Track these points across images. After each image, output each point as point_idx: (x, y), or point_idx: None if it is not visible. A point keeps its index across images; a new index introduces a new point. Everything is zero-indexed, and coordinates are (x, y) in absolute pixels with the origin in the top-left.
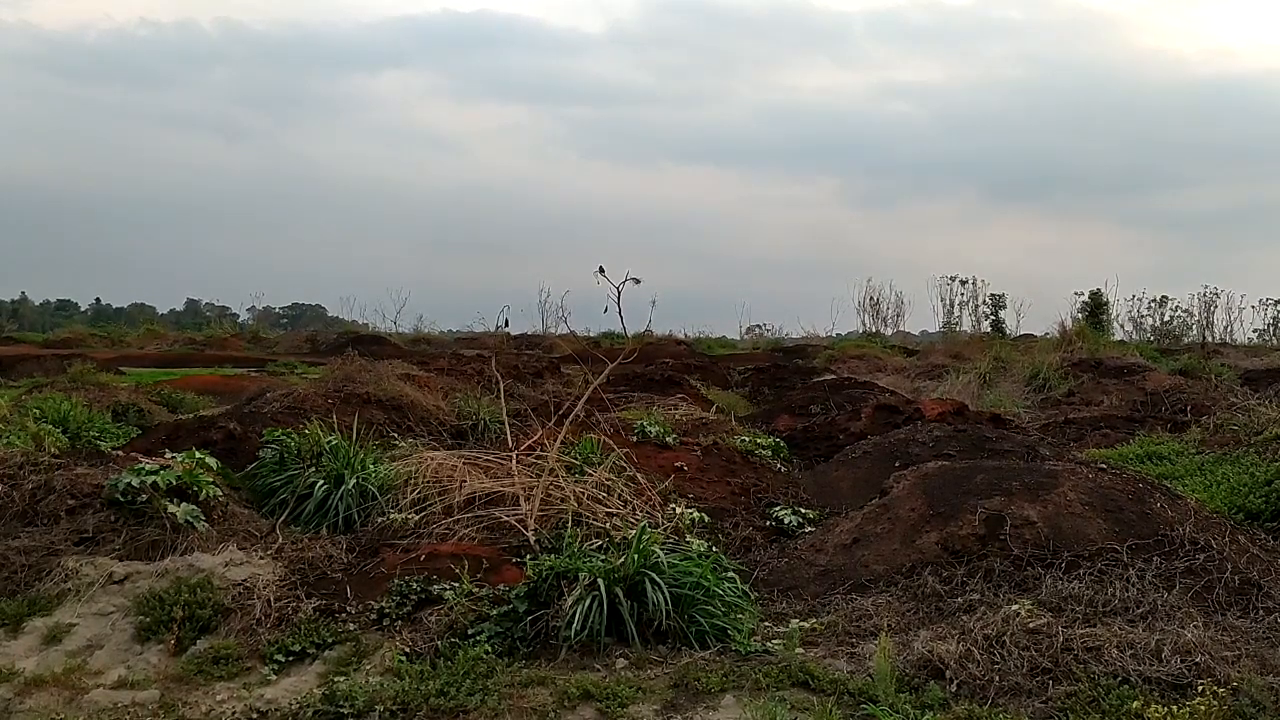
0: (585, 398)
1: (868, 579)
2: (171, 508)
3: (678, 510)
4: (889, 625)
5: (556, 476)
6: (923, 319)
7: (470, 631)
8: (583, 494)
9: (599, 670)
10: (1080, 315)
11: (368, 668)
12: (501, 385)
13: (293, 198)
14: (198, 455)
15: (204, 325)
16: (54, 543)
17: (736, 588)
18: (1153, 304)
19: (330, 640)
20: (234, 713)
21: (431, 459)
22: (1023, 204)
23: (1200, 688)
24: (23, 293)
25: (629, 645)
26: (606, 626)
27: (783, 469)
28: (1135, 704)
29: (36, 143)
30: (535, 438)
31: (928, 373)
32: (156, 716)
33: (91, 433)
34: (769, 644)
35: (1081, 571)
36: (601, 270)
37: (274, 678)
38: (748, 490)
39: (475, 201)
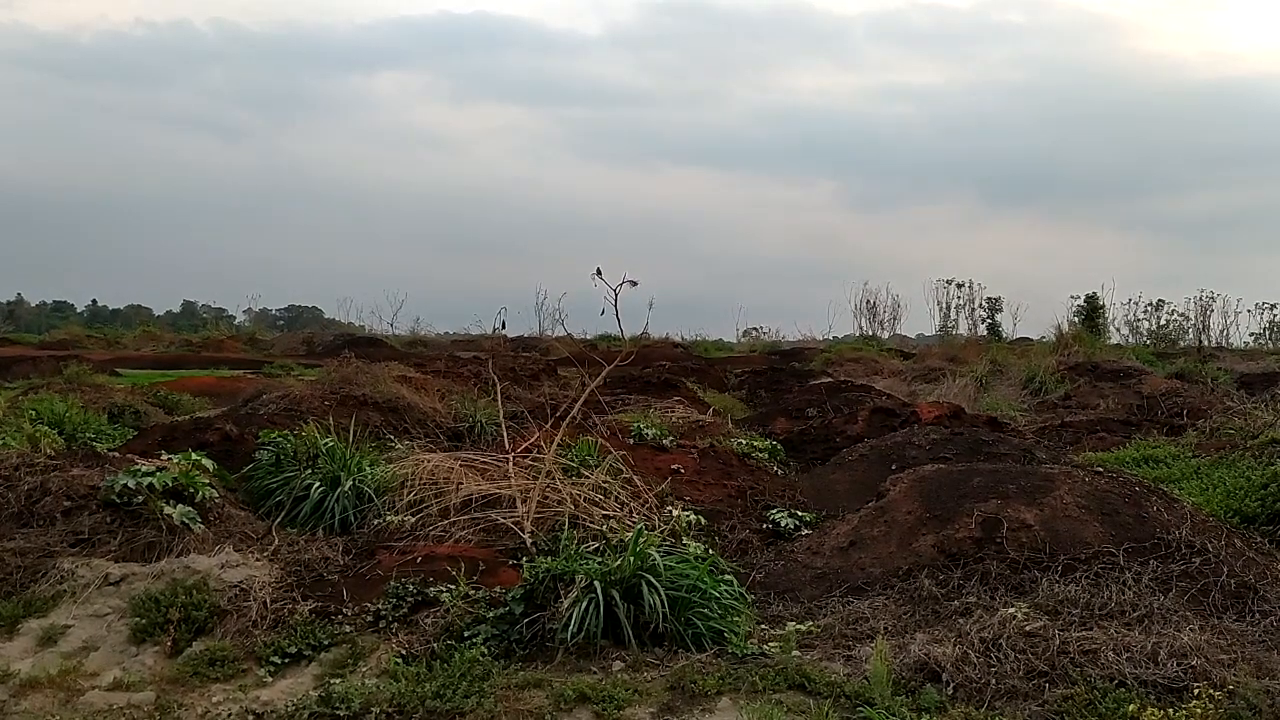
0: (582, 400)
1: (864, 582)
2: (168, 509)
3: (674, 513)
4: (885, 628)
5: (553, 479)
6: (919, 322)
7: (466, 633)
8: (579, 496)
9: (595, 673)
10: (1076, 319)
11: (364, 670)
12: (498, 387)
13: (290, 198)
14: (194, 457)
15: (200, 327)
16: (50, 544)
17: (733, 590)
18: (1149, 308)
19: (326, 642)
20: (230, 714)
21: (428, 461)
22: (1021, 207)
23: (1196, 691)
24: (19, 294)
25: (625, 648)
26: (603, 629)
27: (779, 472)
28: (1131, 707)
29: (32, 143)
30: (532, 440)
31: (924, 376)
32: (152, 718)
33: (87, 434)
34: (765, 646)
35: (1078, 575)
36: (599, 272)
37: (270, 679)
38: (744, 493)
39: (473, 202)
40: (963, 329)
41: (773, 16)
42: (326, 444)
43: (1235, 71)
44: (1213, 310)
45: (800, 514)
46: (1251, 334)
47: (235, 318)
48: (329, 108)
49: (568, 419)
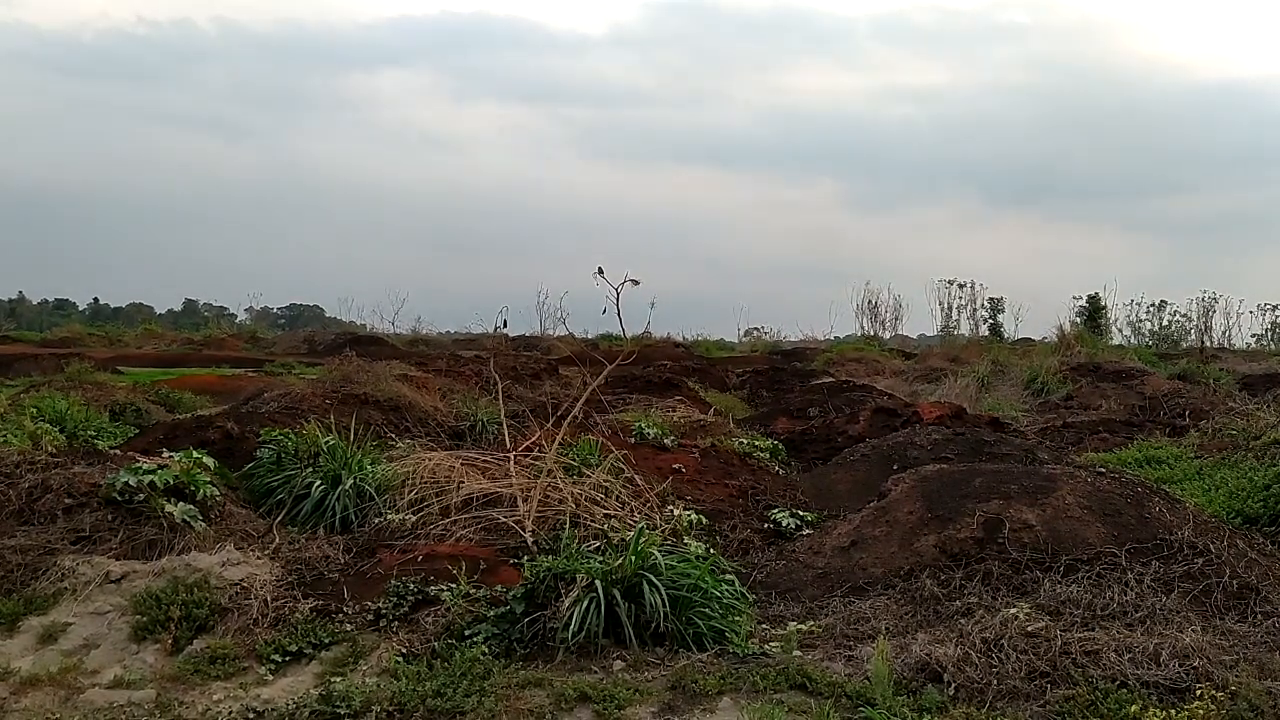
0: (583, 399)
1: (865, 582)
2: (169, 507)
3: (676, 512)
4: (887, 628)
5: (554, 478)
6: (921, 322)
7: (467, 632)
8: (580, 495)
9: (596, 672)
10: (1078, 319)
11: (364, 668)
12: (499, 386)
13: (291, 197)
14: (195, 455)
15: (202, 325)
16: (51, 541)
17: (734, 590)
18: (1151, 308)
19: (327, 640)
20: (230, 713)
21: (429, 459)
22: (1024, 208)
23: (1198, 692)
24: (20, 292)
25: (626, 647)
26: (604, 628)
27: (781, 471)
28: (1133, 708)
29: (34, 141)
30: (533, 439)
31: (926, 376)
32: (153, 716)
33: (89, 432)
34: (767, 646)
35: (1080, 575)
36: (600, 271)
37: (271, 678)
38: (746, 492)
39: (474, 201)
40: (964, 329)
41: (775, 16)
42: (327, 442)
43: (1239, 73)
44: (1215, 311)
45: (802, 514)
46: (1254, 335)
47: (236, 316)
48: (331, 107)
49: (569, 418)
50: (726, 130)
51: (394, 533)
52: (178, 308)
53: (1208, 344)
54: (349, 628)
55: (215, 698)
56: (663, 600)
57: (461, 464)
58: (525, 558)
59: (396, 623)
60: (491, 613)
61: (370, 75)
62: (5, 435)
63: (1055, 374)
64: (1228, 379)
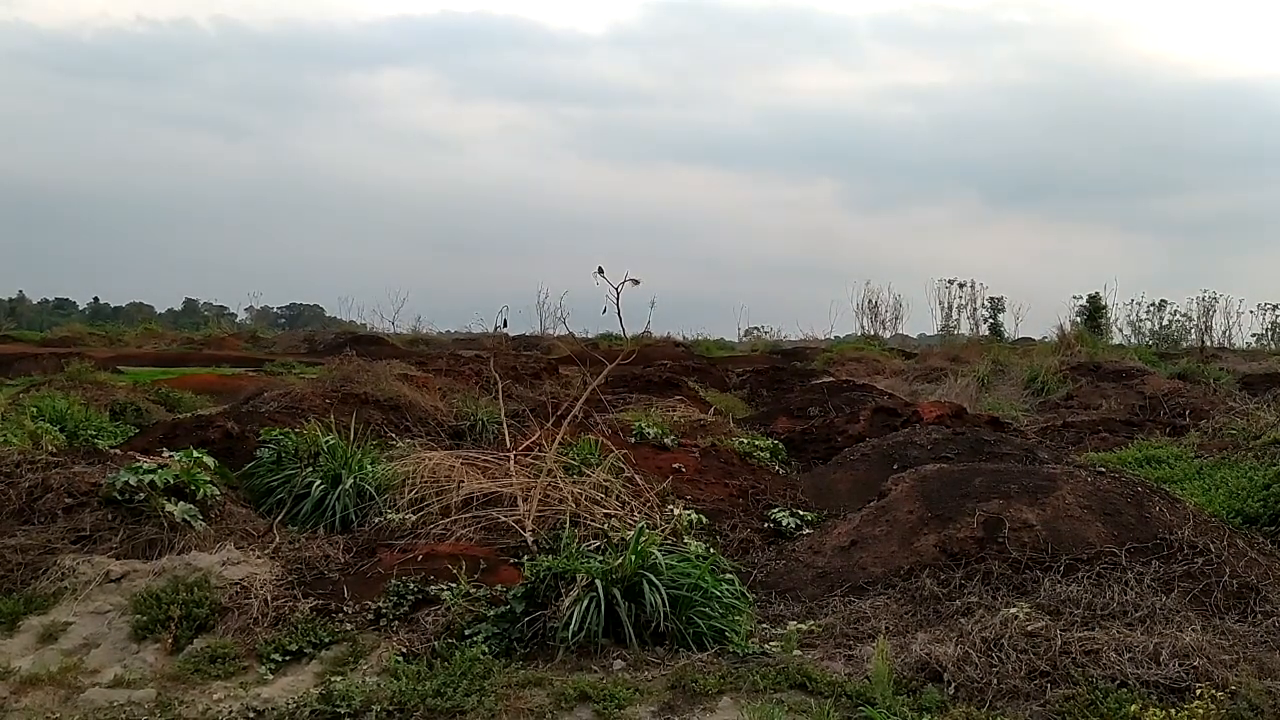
0: (583, 399)
1: (865, 581)
2: (169, 506)
3: (676, 511)
4: (887, 628)
5: (554, 477)
6: (921, 322)
7: (467, 632)
8: (580, 495)
9: (596, 671)
10: (1079, 319)
11: (365, 668)
12: (499, 386)
13: (291, 196)
14: (195, 454)
15: (202, 325)
16: (51, 541)
17: (734, 589)
18: (1151, 308)
19: (327, 640)
20: (230, 712)
21: (429, 459)
22: (1024, 207)
23: (1198, 691)
24: (20, 291)
25: (626, 646)
26: (604, 628)
27: (781, 471)
28: (1133, 707)
29: (34, 141)
30: (533, 438)
31: (926, 375)
32: (153, 715)
33: (89, 431)
34: (767, 646)
35: (1080, 575)
36: (601, 271)
37: (271, 677)
38: (746, 492)
39: (474, 201)
40: (965, 329)
41: (775, 16)
42: (328, 442)
43: (1239, 72)
44: (1215, 311)
45: (802, 513)
46: (1254, 335)
47: (237, 315)
48: (331, 106)
49: (569, 418)
50: (726, 130)
51: (394, 532)
52: (178, 307)
53: (1208, 344)
54: (349, 627)
55: (215, 697)
56: (663, 600)
57: (461, 463)
58: (525, 557)
59: (396, 622)
60: (491, 612)
61: (370, 75)
62: (5, 435)
63: (1055, 374)
64: (1228, 379)
